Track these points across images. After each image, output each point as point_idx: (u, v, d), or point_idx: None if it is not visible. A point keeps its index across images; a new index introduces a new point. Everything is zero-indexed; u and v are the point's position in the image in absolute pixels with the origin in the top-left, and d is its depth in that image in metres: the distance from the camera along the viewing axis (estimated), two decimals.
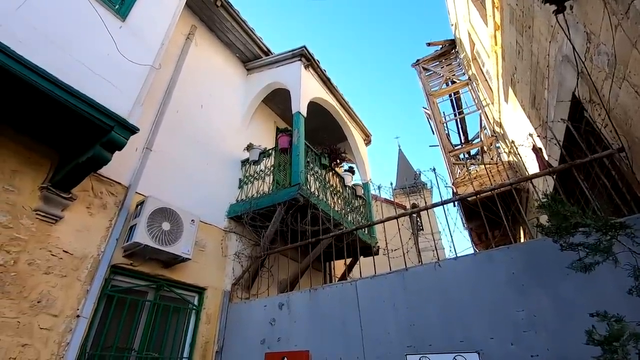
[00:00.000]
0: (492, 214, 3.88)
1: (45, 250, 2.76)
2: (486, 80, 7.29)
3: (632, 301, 1.70)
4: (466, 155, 9.64)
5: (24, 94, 2.42)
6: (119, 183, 3.48)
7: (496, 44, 5.21)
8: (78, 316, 2.78)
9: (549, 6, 2.81)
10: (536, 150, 3.60)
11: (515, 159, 6.39)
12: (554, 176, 3.45)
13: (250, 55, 6.20)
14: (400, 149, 29.71)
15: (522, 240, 7.90)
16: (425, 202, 3.73)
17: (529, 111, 4.60)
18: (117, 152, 2.86)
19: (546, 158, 3.84)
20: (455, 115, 9.67)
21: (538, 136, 3.98)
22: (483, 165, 6.99)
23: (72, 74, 2.58)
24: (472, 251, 2.82)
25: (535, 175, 3.10)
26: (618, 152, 2.55)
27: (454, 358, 2.39)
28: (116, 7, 3.06)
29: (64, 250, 2.87)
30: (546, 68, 3.57)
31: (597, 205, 2.80)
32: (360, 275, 4.73)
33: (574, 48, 2.71)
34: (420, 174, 4.03)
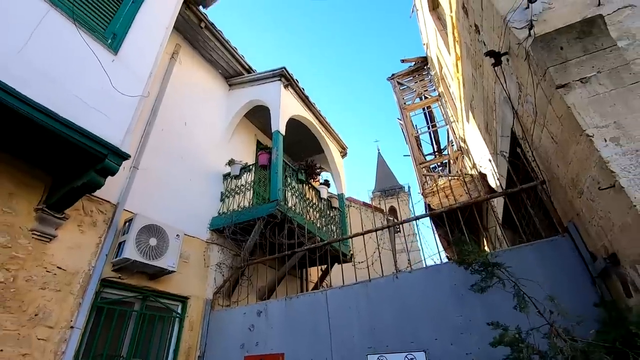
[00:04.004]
0: (457, 222, 4.39)
1: (41, 267, 3.01)
2: (452, 99, 7.90)
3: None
4: (438, 165, 10.31)
5: (27, 127, 2.67)
6: (108, 201, 3.74)
7: (458, 71, 5.77)
8: (72, 327, 3.04)
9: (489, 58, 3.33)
10: (482, 176, 4.13)
11: (476, 172, 7.02)
12: (505, 197, 3.99)
13: (232, 71, 6.50)
14: (379, 152, 30.61)
15: (485, 246, 8.60)
16: (399, 204, 4.17)
17: (483, 135, 5.17)
18: None
19: (496, 181, 4.39)
20: (428, 127, 10.32)
21: (490, 161, 4.54)
22: (447, 178, 7.58)
23: (69, 107, 2.84)
24: (424, 265, 3.28)
25: (487, 198, 3.60)
26: (541, 184, 3.08)
27: (405, 356, 2.84)
28: (109, 41, 3.33)
29: (58, 267, 3.12)
30: (494, 103, 4.11)
31: (524, 230, 3.33)
32: (331, 282, 5.15)
33: (508, 95, 3.23)
34: (401, 188, 4.45)
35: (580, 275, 2.64)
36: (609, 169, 1.99)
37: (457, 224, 4.09)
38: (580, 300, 2.53)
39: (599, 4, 2.61)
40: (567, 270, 2.68)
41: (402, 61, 9.92)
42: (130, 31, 3.56)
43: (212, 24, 5.70)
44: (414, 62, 10.02)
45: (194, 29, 5.63)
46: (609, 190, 2.05)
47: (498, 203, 5.31)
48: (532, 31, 2.62)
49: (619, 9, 2.58)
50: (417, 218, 3.79)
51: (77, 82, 2.97)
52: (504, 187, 4.02)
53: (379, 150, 32.15)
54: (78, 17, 3.06)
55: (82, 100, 2.95)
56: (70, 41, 3.01)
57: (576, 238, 2.70)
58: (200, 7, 5.45)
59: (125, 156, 3.12)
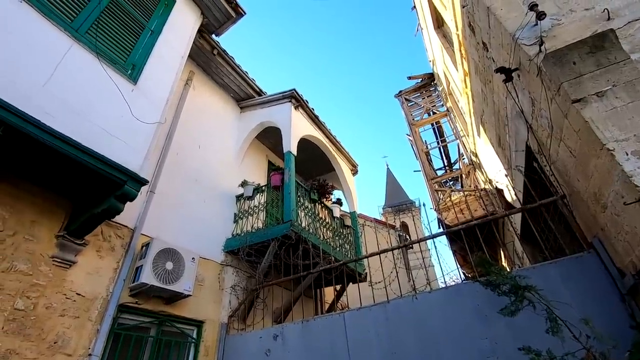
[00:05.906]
0: (474, 237, 4.30)
1: (61, 294, 3.03)
2: (461, 114, 7.91)
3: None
4: (450, 180, 10.21)
5: (50, 157, 2.77)
6: (126, 226, 3.79)
7: (466, 87, 5.79)
8: (90, 355, 3.03)
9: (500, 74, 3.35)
10: (498, 190, 4.07)
11: (491, 187, 6.93)
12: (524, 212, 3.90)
13: (244, 94, 6.67)
14: (388, 168, 30.52)
15: (502, 261, 8.38)
16: (414, 221, 4.12)
17: (496, 149, 5.13)
18: None
19: (512, 196, 4.32)
20: (438, 143, 10.31)
21: (506, 176, 4.49)
22: (462, 193, 7.49)
23: (91, 136, 2.94)
24: (442, 283, 3.20)
25: (506, 214, 3.54)
26: (561, 199, 3.01)
27: None
28: (128, 72, 3.47)
29: (77, 293, 3.15)
30: (505, 118, 4.10)
31: (547, 245, 3.23)
32: (348, 302, 5.05)
33: (521, 110, 3.22)
34: (412, 203, 4.41)
35: (609, 292, 2.54)
36: (633, 183, 1.95)
37: (475, 239, 4.01)
38: (610, 318, 2.43)
39: (609, 18, 2.63)
40: (594, 287, 2.58)
41: (409, 78, 10.05)
42: (148, 61, 3.71)
43: (224, 51, 5.90)
44: (420, 79, 10.12)
45: (206, 56, 5.83)
46: (634, 204, 2.00)
47: (516, 217, 5.20)
48: (542, 47, 2.63)
49: (629, 22, 2.58)
50: (434, 236, 3.73)
51: (98, 111, 3.08)
52: (521, 201, 3.94)
53: (387, 165, 32.06)
54: (100, 51, 3.21)
55: (103, 129, 3.05)
56: (93, 73, 3.14)
57: (602, 254, 2.62)
58: (213, 35, 5.65)
59: (143, 182, 3.19)
